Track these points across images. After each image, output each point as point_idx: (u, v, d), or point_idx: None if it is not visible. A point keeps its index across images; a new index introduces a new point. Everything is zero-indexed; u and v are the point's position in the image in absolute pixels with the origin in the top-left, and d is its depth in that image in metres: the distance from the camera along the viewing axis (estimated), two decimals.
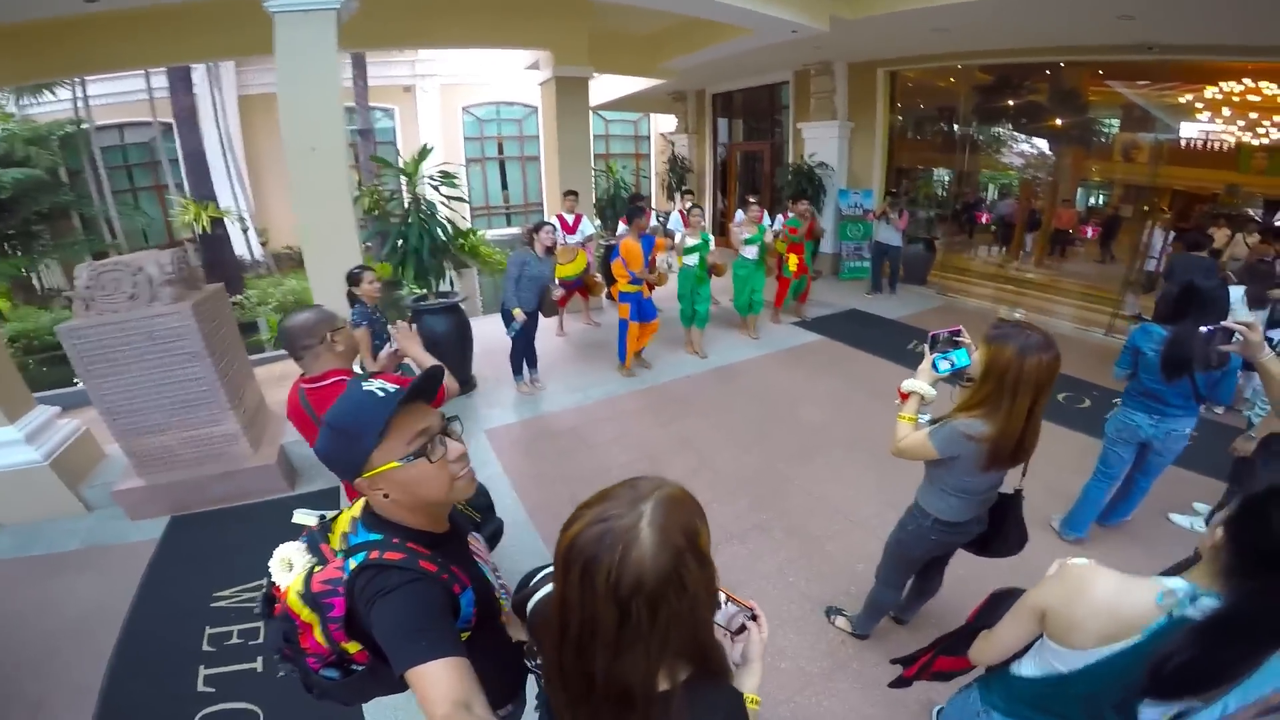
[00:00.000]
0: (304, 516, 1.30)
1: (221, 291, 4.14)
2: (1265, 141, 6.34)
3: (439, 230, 4.95)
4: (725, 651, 0.94)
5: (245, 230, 13.05)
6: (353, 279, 3.53)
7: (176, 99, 10.56)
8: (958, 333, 1.93)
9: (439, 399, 1.45)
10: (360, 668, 1.16)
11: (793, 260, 6.57)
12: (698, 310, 5.68)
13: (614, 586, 0.72)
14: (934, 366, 1.89)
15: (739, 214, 6.34)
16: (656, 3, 5.22)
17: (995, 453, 1.74)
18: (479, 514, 1.70)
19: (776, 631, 2.55)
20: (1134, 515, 3.16)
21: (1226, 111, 6.46)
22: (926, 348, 1.94)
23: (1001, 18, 5.47)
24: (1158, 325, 2.65)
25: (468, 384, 5.30)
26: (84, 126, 11.17)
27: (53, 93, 10.68)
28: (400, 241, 4.86)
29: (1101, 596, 1.08)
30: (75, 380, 3.48)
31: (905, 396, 1.94)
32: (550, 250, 4.75)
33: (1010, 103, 8.54)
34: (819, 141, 8.89)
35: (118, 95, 12.02)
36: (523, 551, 3.09)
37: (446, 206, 5.16)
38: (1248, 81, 6.15)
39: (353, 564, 1.04)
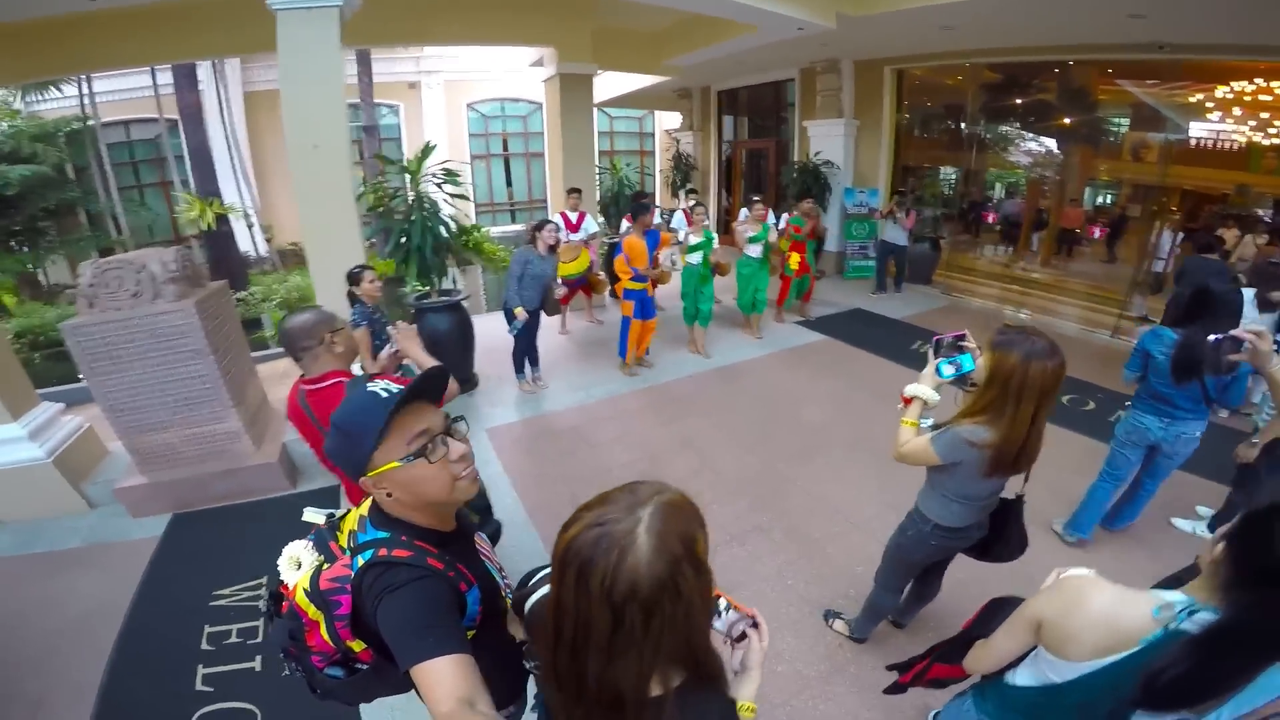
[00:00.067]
0: (313, 514, 1.31)
1: (224, 289, 4.15)
2: (1276, 141, 6.26)
3: (442, 228, 4.94)
4: (721, 659, 0.93)
5: (250, 226, 13.08)
6: (353, 278, 3.51)
7: (181, 96, 10.56)
8: (962, 337, 1.91)
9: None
10: (364, 667, 1.17)
11: (794, 259, 6.53)
12: (701, 309, 5.66)
13: (608, 591, 0.72)
14: (938, 371, 1.86)
15: (743, 212, 6.31)
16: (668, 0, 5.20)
17: (998, 460, 1.72)
18: (477, 515, 1.70)
19: (774, 634, 2.47)
20: (1137, 518, 3.13)
21: (1237, 111, 6.38)
22: (930, 352, 1.92)
23: (1009, 16, 5.42)
24: (1168, 329, 2.62)
25: (469, 382, 5.29)
26: (90, 123, 11.20)
27: (59, 89, 10.71)
28: (403, 239, 4.86)
29: (1098, 609, 1.08)
30: (80, 376, 3.49)
31: (908, 401, 1.91)
32: (553, 249, 4.73)
33: (1018, 101, 8.47)
34: (825, 139, 8.84)
35: (124, 92, 12.06)
36: (522, 552, 3.09)
37: (450, 204, 5.15)
38: (1259, 81, 6.08)
39: (360, 561, 1.05)
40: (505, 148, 16.26)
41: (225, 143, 12.85)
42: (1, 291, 9.66)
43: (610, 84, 10.88)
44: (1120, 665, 1.04)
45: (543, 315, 4.96)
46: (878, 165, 8.81)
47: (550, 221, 4.77)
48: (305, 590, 1.12)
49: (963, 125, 8.77)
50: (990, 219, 9.28)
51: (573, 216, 6.36)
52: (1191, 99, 6.66)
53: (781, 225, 6.57)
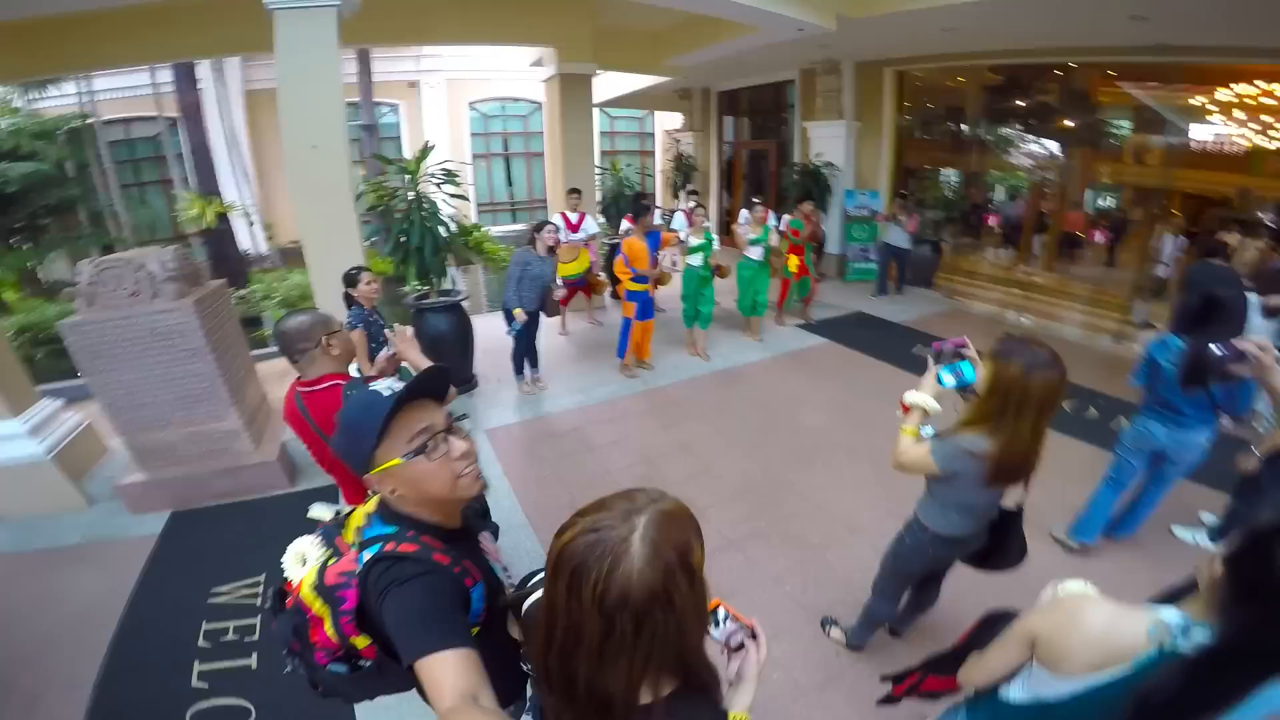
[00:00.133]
0: (320, 510, 1.34)
1: (223, 288, 4.15)
2: (1278, 144, 6.24)
3: (441, 228, 4.93)
4: (715, 669, 0.93)
5: (251, 225, 13.06)
6: (350, 280, 3.48)
7: (182, 94, 10.55)
8: (963, 345, 1.90)
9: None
10: (367, 664, 1.17)
11: (793, 261, 6.52)
12: (701, 311, 5.64)
13: (600, 598, 0.72)
14: (938, 380, 1.85)
15: (743, 214, 6.29)
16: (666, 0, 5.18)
17: (998, 470, 1.71)
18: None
19: (770, 642, 2.46)
20: (1138, 527, 3.12)
21: (1239, 114, 6.37)
22: (931, 360, 1.91)
23: (1010, 18, 5.40)
24: (1175, 337, 2.61)
25: (469, 383, 5.29)
26: (90, 121, 11.19)
27: (59, 87, 10.69)
28: (402, 239, 4.85)
29: (1094, 627, 1.08)
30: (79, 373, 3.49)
31: (908, 409, 1.90)
32: (552, 250, 4.72)
33: (1020, 103, 8.45)
34: (826, 141, 8.82)
35: (124, 90, 12.03)
36: (520, 554, 3.08)
37: (449, 205, 5.14)
38: (1261, 84, 6.06)
39: (367, 556, 1.05)
40: (506, 147, 16.23)
41: (226, 141, 12.84)
42: (2, 288, 9.66)
43: (611, 84, 10.86)
44: (1113, 684, 1.04)
45: (542, 316, 4.94)
46: (879, 167, 8.80)
47: (550, 223, 4.76)
48: (311, 585, 1.13)
49: (964, 127, 8.76)
50: (991, 222, 9.25)
51: (573, 217, 6.35)
52: (1193, 102, 6.64)
53: (780, 227, 6.55)
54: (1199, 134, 6.77)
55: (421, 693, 1.12)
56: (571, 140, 7.09)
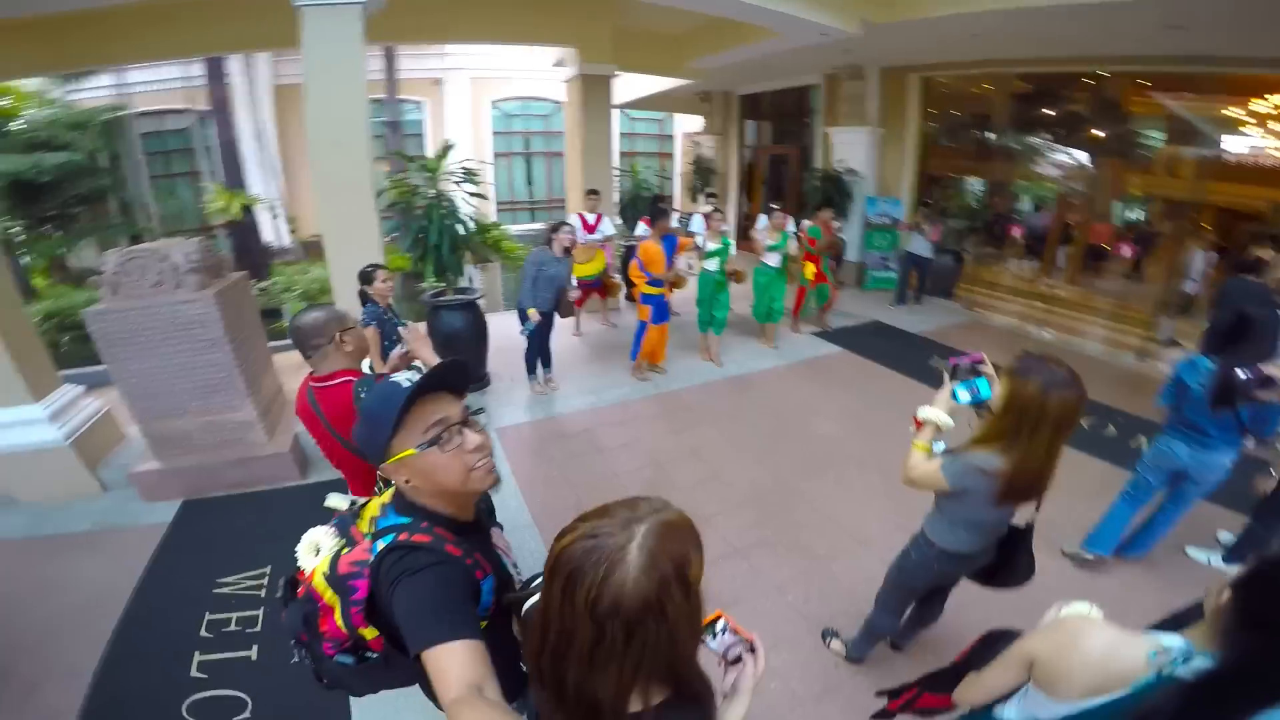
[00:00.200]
0: (335, 500, 1.37)
1: (244, 280, 4.21)
2: None
3: (459, 226, 4.96)
4: (708, 681, 0.92)
5: (275, 218, 13.28)
6: (365, 277, 3.49)
7: (212, 88, 10.79)
8: (980, 362, 1.87)
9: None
10: (374, 656, 1.18)
11: (809, 269, 6.46)
12: (716, 316, 5.61)
13: (592, 604, 0.72)
14: (953, 396, 1.82)
15: (761, 219, 6.24)
16: (686, 2, 5.16)
17: (1009, 488, 1.68)
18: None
19: (770, 651, 2.46)
20: (1151, 547, 3.05)
21: (1277, 126, 6.18)
22: (946, 376, 1.88)
23: (1040, 26, 5.29)
24: (1204, 357, 2.58)
25: (482, 381, 5.31)
26: (124, 113, 11.44)
27: (95, 79, 10.96)
28: (421, 235, 4.89)
29: (1093, 650, 1.07)
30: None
31: (921, 424, 1.87)
32: (568, 251, 4.72)
33: (1048, 112, 8.30)
34: (848, 147, 8.72)
35: (157, 83, 12.29)
36: (524, 554, 3.06)
37: (468, 204, 5.17)
38: None
39: (380, 545, 1.07)
40: (527, 146, 16.33)
41: (254, 135, 13.07)
42: (33, 274, 9.93)
43: (632, 85, 10.86)
44: (1108, 707, 1.03)
45: (556, 317, 4.95)
46: (901, 174, 8.69)
47: (566, 223, 4.77)
48: (324, 574, 1.14)
49: (990, 135, 8.61)
50: (1015, 233, 9.08)
51: (590, 218, 6.36)
52: (1228, 113, 6.47)
53: (798, 232, 6.49)
54: (1233, 146, 6.59)
55: (424, 687, 1.13)
56: (590, 141, 7.11)
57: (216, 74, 10.82)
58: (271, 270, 11.22)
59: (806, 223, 6.58)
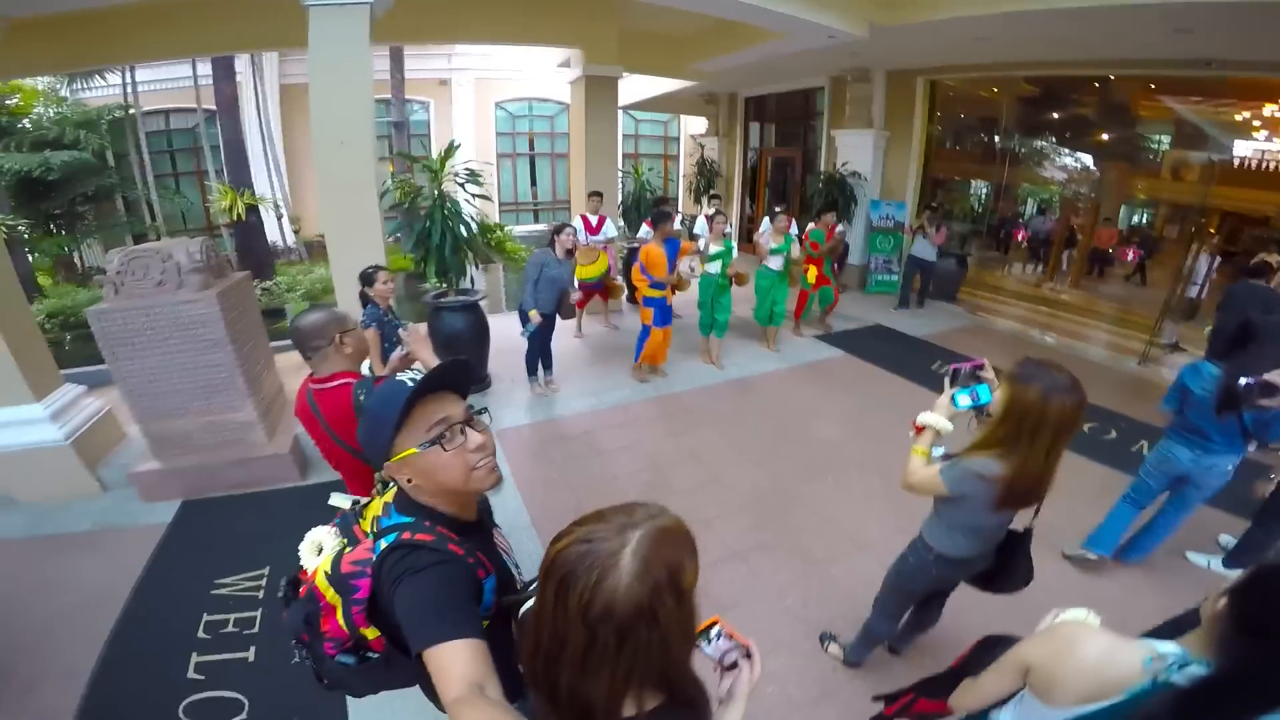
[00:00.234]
0: (339, 499, 1.37)
1: (246, 280, 4.22)
2: None
3: (462, 227, 4.96)
4: (704, 688, 0.92)
5: (280, 218, 13.34)
6: (366, 279, 3.47)
7: (219, 87, 10.82)
8: (981, 367, 1.86)
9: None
10: (375, 656, 1.19)
11: (812, 272, 6.44)
12: (717, 319, 5.60)
13: (585, 608, 0.73)
14: (953, 401, 1.81)
15: (765, 222, 6.22)
16: (690, 4, 5.15)
17: (1008, 494, 1.68)
18: None
19: (767, 655, 2.45)
20: (1151, 551, 3.05)
21: None
22: (947, 381, 1.87)
23: (1047, 29, 5.27)
24: (1209, 363, 2.58)
25: (483, 382, 5.31)
26: (132, 112, 11.51)
27: (103, 78, 11.03)
28: (424, 236, 4.89)
29: (1088, 657, 1.08)
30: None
31: (920, 429, 1.87)
32: (570, 253, 4.72)
33: (1054, 115, 8.27)
34: (853, 150, 8.69)
35: (165, 82, 12.40)
36: (521, 557, 3.01)
37: (471, 205, 5.17)
38: None
39: (383, 544, 1.07)
40: (531, 147, 16.37)
41: (260, 134, 13.15)
42: (39, 273, 9.99)
43: (637, 87, 10.88)
44: (1103, 714, 1.04)
45: (557, 319, 4.95)
46: (906, 177, 8.65)
47: (569, 225, 4.76)
48: (326, 573, 1.15)
49: (996, 139, 8.59)
50: (1020, 236, 9.05)
51: (593, 219, 6.36)
52: (1237, 117, 6.44)
53: (801, 234, 6.47)
54: (1241, 150, 6.56)
55: (424, 688, 1.13)
56: (594, 142, 7.10)
57: (224, 73, 10.85)
58: (275, 270, 11.27)
59: (812, 225, 6.56)
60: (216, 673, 2.47)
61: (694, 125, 15.19)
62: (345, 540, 1.20)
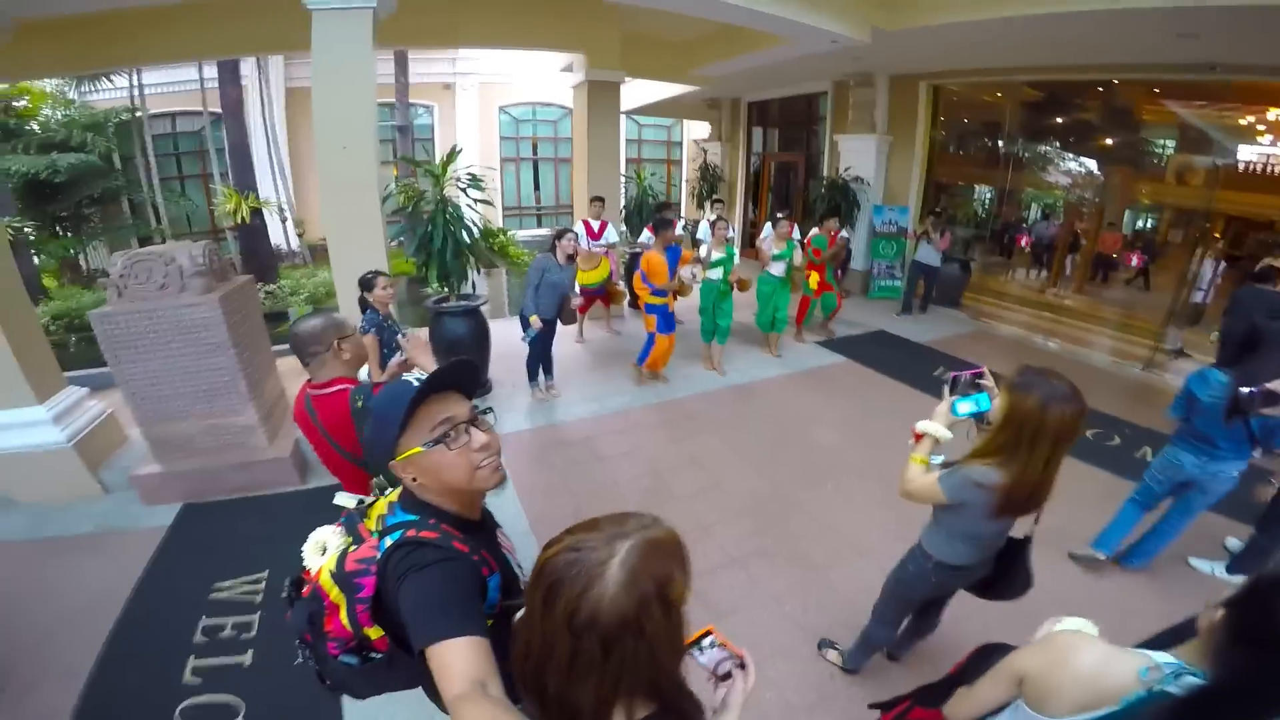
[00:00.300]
0: (344, 499, 1.37)
1: (249, 284, 4.23)
2: None
3: (464, 233, 4.97)
4: (695, 697, 0.92)
5: (284, 221, 13.40)
6: (365, 284, 3.45)
7: (225, 90, 10.88)
8: (980, 375, 1.86)
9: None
10: (379, 656, 1.19)
11: (814, 278, 6.43)
12: (719, 325, 5.58)
13: (569, 616, 0.73)
14: (952, 409, 1.81)
15: (767, 228, 6.22)
16: (693, 9, 5.17)
17: (1006, 502, 1.67)
18: None
19: (766, 661, 2.49)
20: (1154, 556, 3.04)
21: None
22: (946, 389, 1.87)
23: (1050, 33, 5.26)
24: (1215, 370, 2.60)
25: (483, 387, 5.31)
26: (138, 114, 11.59)
27: (111, 80, 11.10)
28: (426, 240, 4.90)
29: (1084, 666, 1.07)
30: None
31: (919, 437, 1.86)
32: (571, 258, 4.73)
33: (1058, 120, 8.26)
34: (856, 155, 8.70)
35: (171, 85, 12.49)
36: (522, 561, 3.06)
37: (473, 210, 5.19)
38: None
39: (388, 542, 1.07)
40: (535, 151, 16.42)
41: (265, 137, 13.22)
42: (44, 275, 10.05)
43: (640, 92, 10.90)
44: None
45: (559, 324, 4.95)
46: (909, 182, 8.64)
47: (570, 230, 4.77)
48: (331, 572, 1.15)
49: (999, 143, 8.57)
50: (1023, 242, 9.02)
51: (595, 225, 6.37)
52: (1242, 121, 6.41)
53: (801, 240, 6.46)
54: (1246, 154, 6.53)
55: (427, 688, 1.14)
56: (597, 147, 7.12)
57: (229, 76, 10.92)
58: (279, 273, 11.31)
59: (815, 230, 6.55)
60: (214, 676, 2.46)
61: (697, 130, 15.21)
62: (350, 539, 1.20)
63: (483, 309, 5.19)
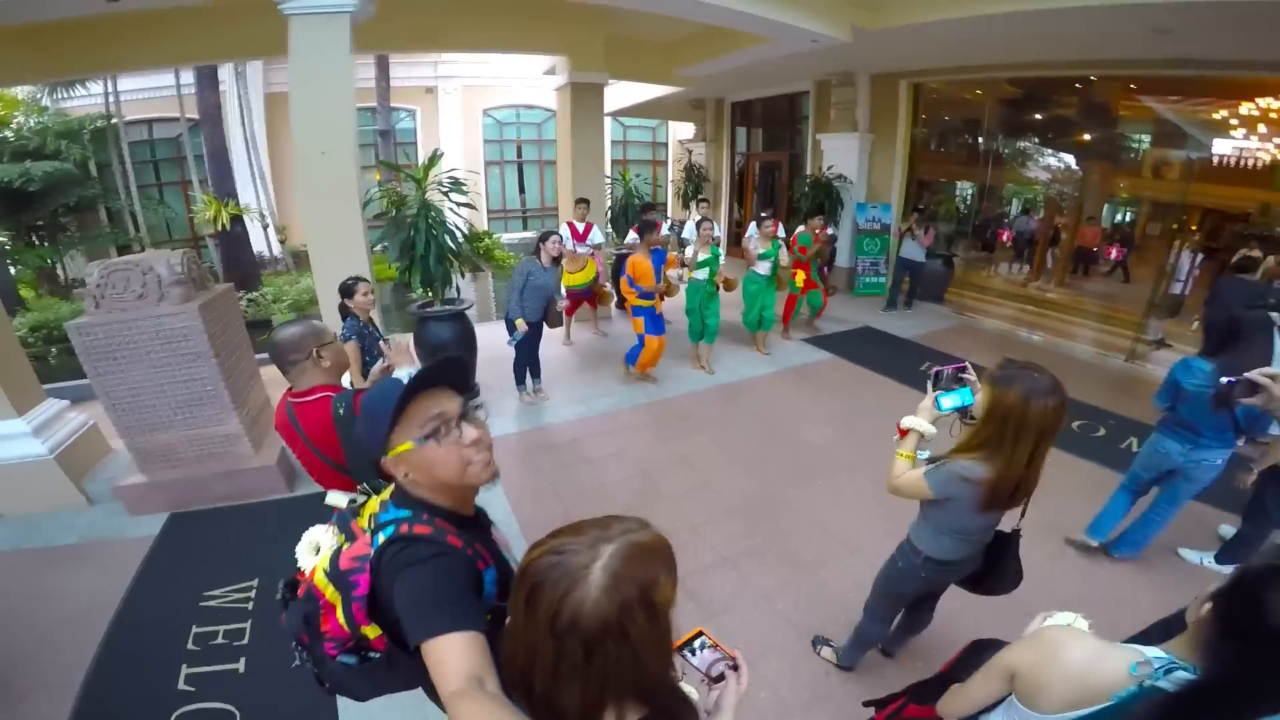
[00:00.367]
0: (336, 498, 1.36)
1: (230, 292, 4.17)
2: None
3: (447, 237, 4.94)
4: (687, 699, 0.92)
5: (265, 228, 13.24)
6: (346, 290, 3.38)
7: (203, 96, 10.74)
8: (963, 369, 1.87)
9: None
10: (377, 655, 1.18)
11: (800, 276, 6.46)
12: (708, 325, 5.59)
13: (551, 619, 0.72)
14: (936, 404, 1.82)
15: (752, 228, 6.24)
16: (674, 10, 5.18)
17: (992, 496, 1.68)
18: None
19: (759, 660, 2.49)
20: (1143, 547, 3.08)
21: (1263, 129, 6.25)
22: (930, 384, 1.88)
23: (1028, 30, 5.33)
24: (1199, 360, 2.64)
25: (470, 392, 5.26)
26: (114, 121, 11.41)
27: (85, 87, 10.93)
28: (409, 245, 4.86)
29: (1074, 662, 1.07)
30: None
31: (904, 433, 1.87)
32: (556, 261, 4.71)
33: (1037, 116, 8.36)
34: (838, 153, 8.76)
35: (147, 91, 12.30)
36: (517, 557, 3.05)
37: (456, 213, 5.15)
38: None
39: (381, 538, 1.07)
40: (519, 154, 16.37)
41: (244, 144, 13.07)
42: (21, 285, 9.85)
43: (624, 93, 10.90)
44: (1088, 718, 1.03)
45: (545, 327, 4.93)
46: (891, 180, 8.71)
47: (555, 233, 4.75)
48: (325, 570, 1.14)
49: (980, 140, 8.67)
50: (1005, 236, 9.13)
51: (580, 226, 6.35)
52: (1215, 115, 6.53)
53: (787, 239, 6.49)
54: (1220, 148, 6.65)
55: (426, 686, 1.13)
56: (581, 148, 7.11)
57: (207, 82, 10.77)
58: (261, 281, 11.17)
59: (801, 229, 6.58)
60: (207, 684, 2.44)
61: (682, 131, 15.25)
62: (343, 537, 1.20)
63: (469, 313, 5.15)
